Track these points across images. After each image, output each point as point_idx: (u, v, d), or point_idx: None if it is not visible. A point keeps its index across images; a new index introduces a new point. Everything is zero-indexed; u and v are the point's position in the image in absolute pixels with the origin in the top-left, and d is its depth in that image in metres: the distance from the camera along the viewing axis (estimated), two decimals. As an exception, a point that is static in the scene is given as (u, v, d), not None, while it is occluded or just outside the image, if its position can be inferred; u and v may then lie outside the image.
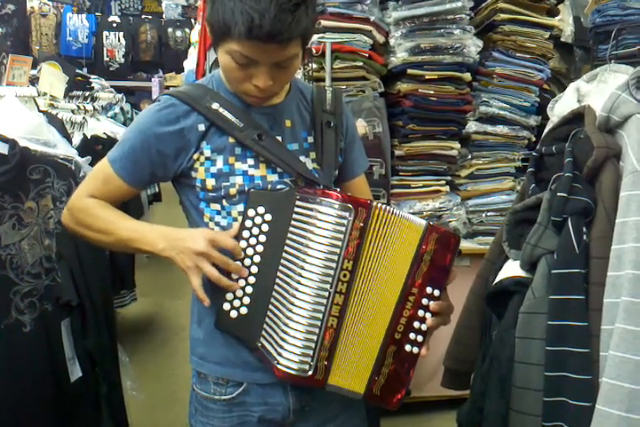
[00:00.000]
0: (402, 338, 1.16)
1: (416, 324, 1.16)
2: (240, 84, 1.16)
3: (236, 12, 1.04)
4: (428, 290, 1.16)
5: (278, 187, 1.22)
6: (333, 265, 1.10)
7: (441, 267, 1.16)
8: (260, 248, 1.17)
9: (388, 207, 1.14)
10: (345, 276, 1.11)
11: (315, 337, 1.11)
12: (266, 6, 1.03)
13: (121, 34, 8.78)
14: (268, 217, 1.17)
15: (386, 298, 1.15)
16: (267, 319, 1.16)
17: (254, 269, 1.16)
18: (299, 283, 1.11)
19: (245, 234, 1.17)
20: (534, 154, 1.58)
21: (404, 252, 1.15)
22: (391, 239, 1.14)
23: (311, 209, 1.12)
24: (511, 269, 1.45)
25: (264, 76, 1.12)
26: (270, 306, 1.15)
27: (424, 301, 1.16)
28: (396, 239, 1.14)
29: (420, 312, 1.16)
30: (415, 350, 1.17)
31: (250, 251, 1.17)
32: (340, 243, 1.10)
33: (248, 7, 1.03)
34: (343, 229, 1.10)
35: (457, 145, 2.75)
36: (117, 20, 8.88)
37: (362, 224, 1.11)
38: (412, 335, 1.16)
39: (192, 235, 1.13)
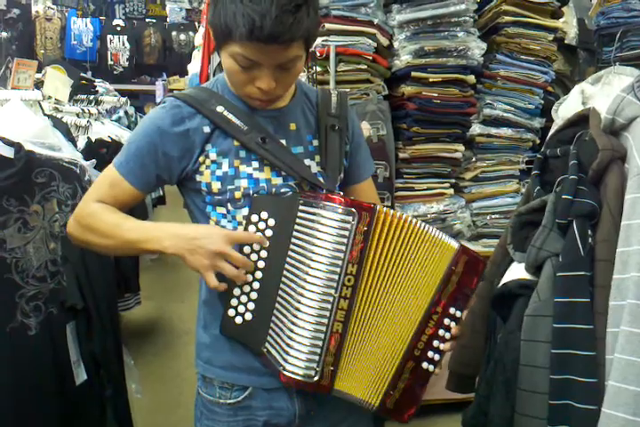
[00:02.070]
0: (421, 355, 1.16)
1: (435, 342, 1.17)
2: (244, 86, 1.16)
3: (238, 15, 1.05)
4: (451, 311, 1.17)
5: (282, 191, 1.22)
6: (337, 270, 1.10)
7: (466, 290, 1.17)
8: (263, 253, 1.16)
9: (417, 222, 1.14)
10: (349, 280, 1.11)
11: (320, 342, 1.10)
12: (266, 8, 1.03)
13: (125, 37, 8.80)
14: (272, 222, 1.16)
15: (407, 311, 1.15)
16: (272, 325, 1.15)
17: (258, 275, 1.16)
18: (303, 288, 1.11)
19: None
20: (539, 156, 1.58)
21: (432, 269, 1.15)
22: (414, 251, 1.14)
23: (314, 214, 1.11)
24: (516, 271, 1.45)
25: (267, 79, 1.13)
26: (275, 311, 1.15)
27: (446, 321, 1.17)
28: (422, 254, 1.15)
29: (441, 331, 1.17)
30: (431, 368, 1.17)
31: (254, 256, 1.16)
32: (343, 247, 1.10)
33: (249, 9, 1.04)
34: (347, 233, 1.10)
35: (461, 147, 2.75)
36: (121, 23, 8.89)
37: (365, 228, 1.10)
38: (430, 353, 1.17)
39: (206, 233, 1.12)
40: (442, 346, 1.17)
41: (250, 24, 1.04)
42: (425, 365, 1.17)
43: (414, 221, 1.14)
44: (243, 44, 1.08)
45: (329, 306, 1.10)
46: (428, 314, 1.16)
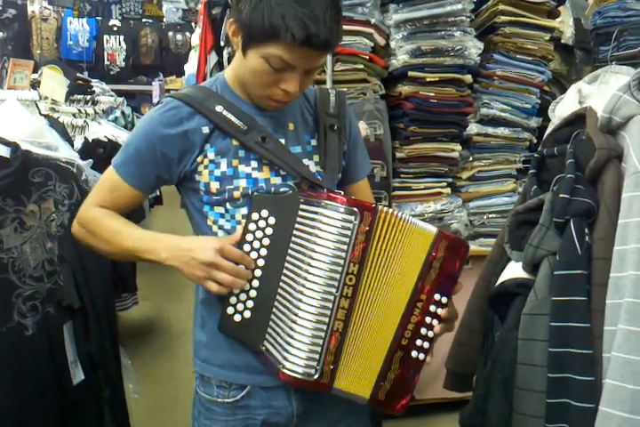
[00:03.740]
0: (408, 344, 1.16)
1: (423, 330, 1.16)
2: (268, 88, 1.16)
3: (288, 18, 1.03)
4: (436, 297, 1.16)
5: (282, 190, 1.22)
6: (339, 269, 1.10)
7: (449, 274, 1.17)
8: (263, 252, 1.17)
9: (396, 212, 1.13)
10: (351, 280, 1.11)
11: (320, 341, 1.10)
12: (320, 14, 1.03)
13: (121, 38, 8.78)
14: (272, 220, 1.17)
15: (393, 303, 1.15)
16: (271, 323, 1.15)
17: (258, 273, 1.16)
18: (304, 286, 1.10)
19: (249, 237, 1.17)
20: (536, 155, 1.58)
21: (413, 258, 1.14)
22: (399, 244, 1.13)
23: (316, 213, 1.11)
24: (513, 270, 1.45)
25: (295, 81, 1.13)
26: (274, 310, 1.15)
27: (432, 307, 1.16)
28: (404, 245, 1.14)
29: (428, 319, 1.16)
30: (421, 356, 1.17)
31: (254, 254, 1.16)
32: (345, 247, 1.10)
33: (301, 14, 1.03)
34: (349, 232, 1.10)
35: (458, 147, 2.75)
36: (118, 23, 8.87)
37: (367, 228, 1.10)
38: (418, 342, 1.16)
39: (199, 245, 1.12)
40: (430, 333, 1.16)
41: (306, 29, 1.03)
42: (414, 354, 1.16)
43: (394, 212, 1.13)
44: (288, 47, 1.06)
45: (330, 305, 1.10)
46: (412, 302, 1.15)
